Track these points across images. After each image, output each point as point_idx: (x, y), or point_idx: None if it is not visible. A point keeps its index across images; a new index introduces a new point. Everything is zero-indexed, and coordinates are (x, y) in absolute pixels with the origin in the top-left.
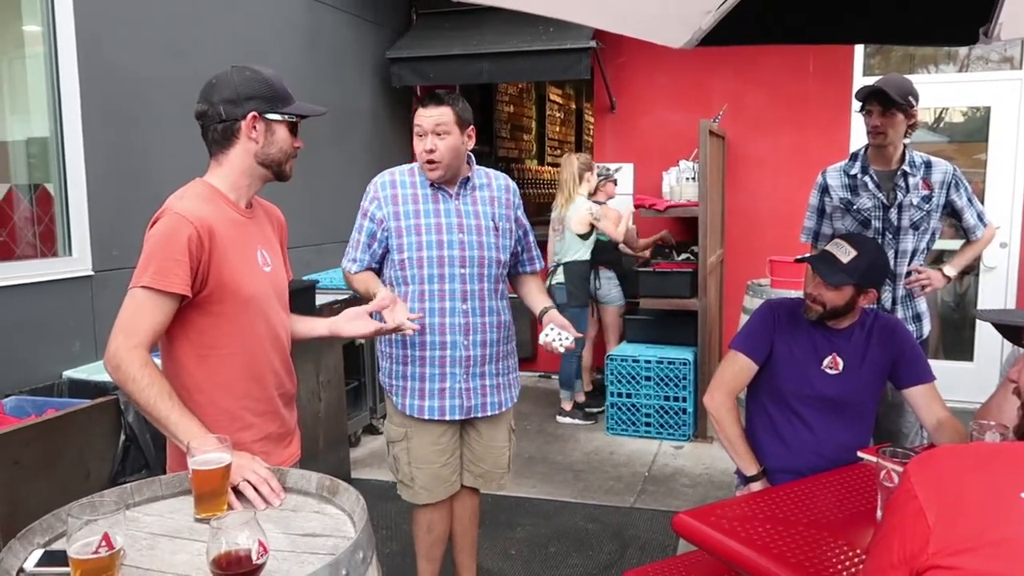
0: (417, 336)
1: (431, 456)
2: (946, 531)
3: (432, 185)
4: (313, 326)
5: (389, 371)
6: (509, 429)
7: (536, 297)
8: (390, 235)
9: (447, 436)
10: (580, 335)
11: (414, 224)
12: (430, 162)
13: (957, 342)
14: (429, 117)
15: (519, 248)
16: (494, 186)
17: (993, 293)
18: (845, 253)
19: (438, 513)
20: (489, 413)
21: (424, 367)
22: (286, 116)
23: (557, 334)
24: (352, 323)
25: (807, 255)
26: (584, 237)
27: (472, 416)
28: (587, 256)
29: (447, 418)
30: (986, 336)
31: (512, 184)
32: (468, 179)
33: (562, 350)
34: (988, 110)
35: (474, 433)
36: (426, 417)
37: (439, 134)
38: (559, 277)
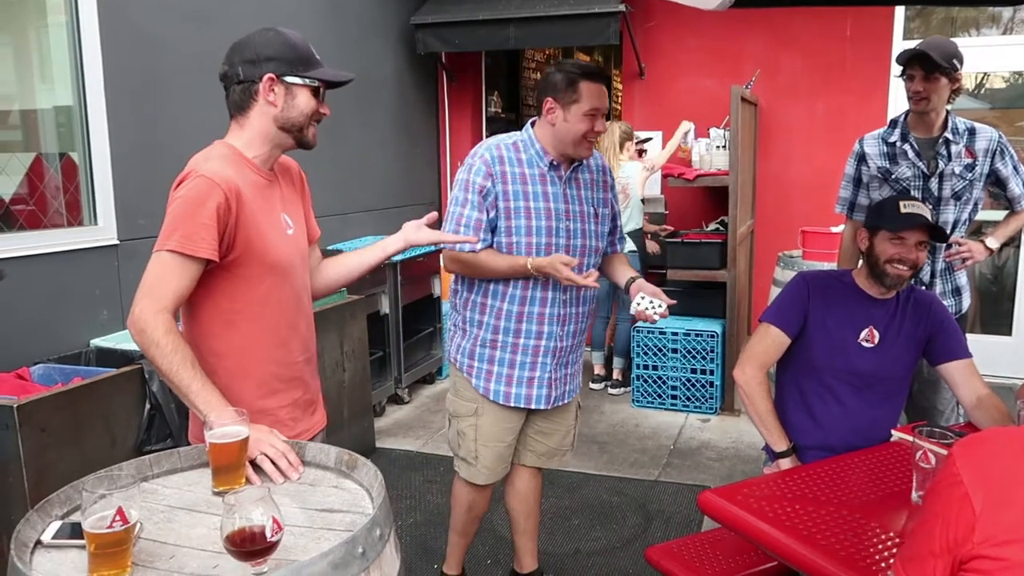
0: (512, 322)
1: (500, 434)
2: (993, 520)
3: (552, 165)
4: (367, 256)
5: (470, 351)
6: (577, 406)
7: (620, 269)
8: (498, 215)
9: (519, 414)
10: (674, 301)
11: (524, 207)
12: (592, 142)
13: (996, 316)
14: (604, 98)
15: (609, 229)
16: (593, 167)
17: None
18: (925, 211)
19: (483, 494)
20: (567, 400)
21: (516, 354)
22: (307, 80)
23: (649, 302)
24: (420, 232)
25: (907, 221)
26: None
27: (556, 404)
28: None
29: (533, 407)
30: None
31: (607, 164)
32: (582, 162)
33: (657, 318)
34: None
35: (543, 411)
36: (512, 404)
37: (605, 113)
38: (629, 246)
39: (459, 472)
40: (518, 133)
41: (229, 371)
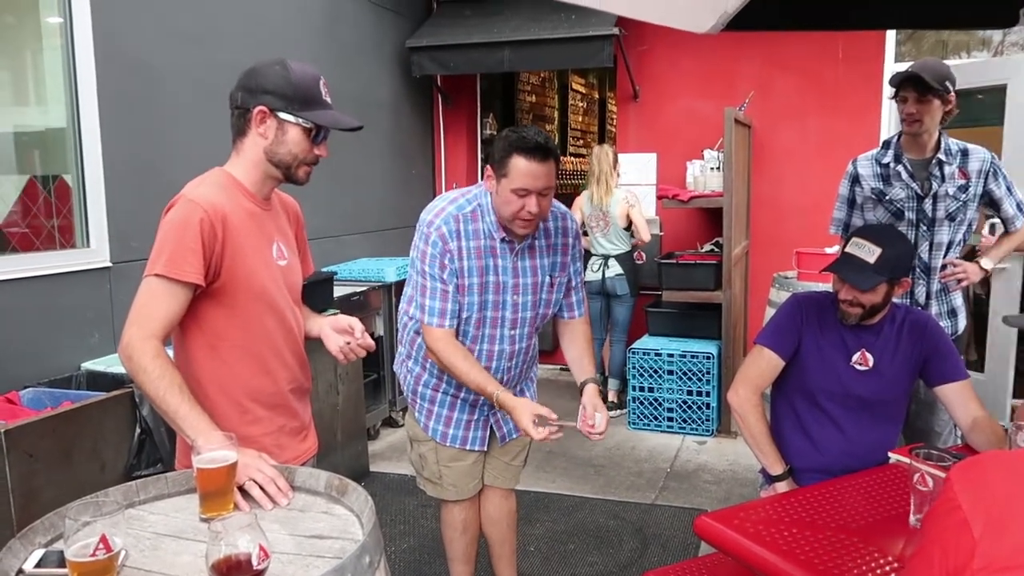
0: (455, 379)
1: (460, 455)
2: (993, 545)
3: (504, 239)
4: (310, 327)
5: (413, 387)
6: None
7: (580, 361)
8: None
9: None
10: (602, 430)
11: (477, 283)
12: (528, 222)
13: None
14: (539, 179)
15: (565, 293)
16: (552, 229)
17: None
18: (870, 253)
19: (471, 512)
20: (514, 437)
21: (455, 404)
22: (299, 120)
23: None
24: (335, 336)
25: (832, 265)
26: (627, 228)
27: (505, 442)
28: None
29: (467, 448)
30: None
31: (573, 226)
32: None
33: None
34: None
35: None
36: (447, 444)
37: (544, 194)
38: (616, 269)
39: (425, 491)
40: (479, 192)
41: (211, 396)
